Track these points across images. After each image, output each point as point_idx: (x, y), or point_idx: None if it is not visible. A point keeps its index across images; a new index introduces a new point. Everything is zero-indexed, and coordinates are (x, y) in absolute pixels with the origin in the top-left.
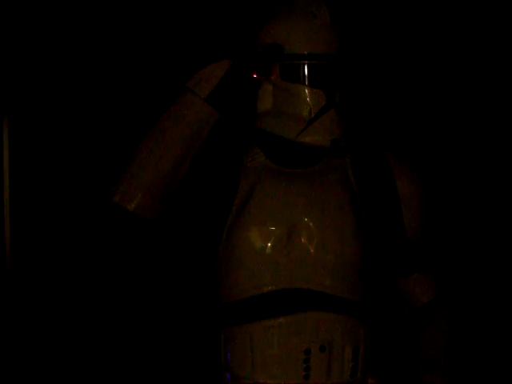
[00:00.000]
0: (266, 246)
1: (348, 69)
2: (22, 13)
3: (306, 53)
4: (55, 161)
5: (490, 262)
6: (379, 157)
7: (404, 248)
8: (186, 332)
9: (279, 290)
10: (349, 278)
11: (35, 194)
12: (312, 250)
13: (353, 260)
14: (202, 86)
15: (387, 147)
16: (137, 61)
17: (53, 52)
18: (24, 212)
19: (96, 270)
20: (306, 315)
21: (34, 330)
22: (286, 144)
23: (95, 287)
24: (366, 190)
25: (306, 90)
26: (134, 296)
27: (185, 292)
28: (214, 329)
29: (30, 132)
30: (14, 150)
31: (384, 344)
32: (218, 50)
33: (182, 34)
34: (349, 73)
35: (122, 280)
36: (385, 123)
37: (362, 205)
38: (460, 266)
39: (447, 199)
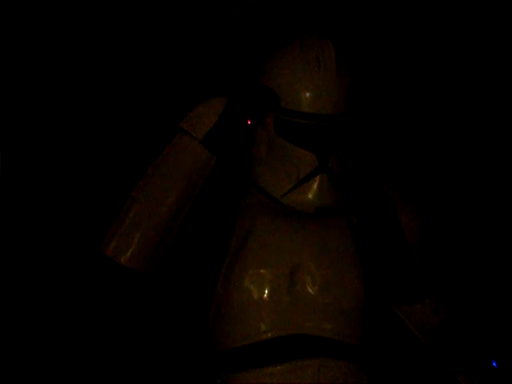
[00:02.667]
0: (265, 291)
1: (348, 129)
2: (17, 11)
3: (301, 110)
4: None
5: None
6: (378, 192)
7: (414, 277)
8: (182, 378)
9: (278, 337)
10: (351, 321)
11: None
12: (314, 294)
13: (355, 303)
14: (198, 127)
15: (384, 181)
16: (132, 65)
17: (45, 53)
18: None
19: (86, 318)
20: (307, 362)
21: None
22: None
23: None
24: (369, 226)
25: (297, 151)
26: (128, 344)
27: (180, 337)
28: (210, 375)
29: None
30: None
31: None
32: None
33: (179, 44)
34: (348, 132)
35: (114, 329)
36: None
37: (365, 242)
38: (465, 285)
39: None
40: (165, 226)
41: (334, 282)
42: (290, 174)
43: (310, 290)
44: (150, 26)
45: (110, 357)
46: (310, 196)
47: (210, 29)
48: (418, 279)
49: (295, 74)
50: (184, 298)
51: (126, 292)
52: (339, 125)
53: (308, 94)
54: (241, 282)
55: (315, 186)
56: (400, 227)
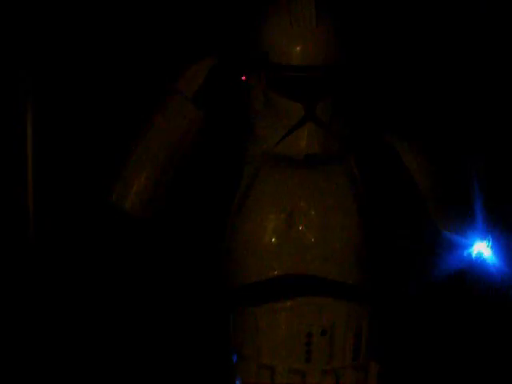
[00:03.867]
0: (268, 233)
1: (332, 77)
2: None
3: (284, 63)
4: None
5: None
6: (378, 138)
7: (426, 215)
8: (196, 314)
9: (284, 274)
10: (350, 263)
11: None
12: (312, 236)
13: (354, 245)
14: (188, 85)
15: (384, 127)
16: (135, 58)
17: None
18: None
19: (100, 265)
20: (309, 300)
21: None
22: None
23: (99, 282)
24: (372, 171)
25: (286, 103)
26: (141, 286)
27: (193, 278)
28: (224, 310)
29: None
30: (38, 147)
31: (387, 328)
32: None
33: (176, 28)
34: (334, 80)
35: (127, 272)
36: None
37: (367, 187)
38: None
39: None
40: (160, 173)
41: (332, 225)
42: (281, 125)
43: (308, 234)
44: None
45: (118, 302)
46: (298, 144)
47: None
48: (430, 216)
49: (277, 28)
50: (196, 243)
51: (132, 235)
52: (321, 74)
53: (289, 47)
54: (246, 227)
55: (302, 134)
56: (405, 167)
